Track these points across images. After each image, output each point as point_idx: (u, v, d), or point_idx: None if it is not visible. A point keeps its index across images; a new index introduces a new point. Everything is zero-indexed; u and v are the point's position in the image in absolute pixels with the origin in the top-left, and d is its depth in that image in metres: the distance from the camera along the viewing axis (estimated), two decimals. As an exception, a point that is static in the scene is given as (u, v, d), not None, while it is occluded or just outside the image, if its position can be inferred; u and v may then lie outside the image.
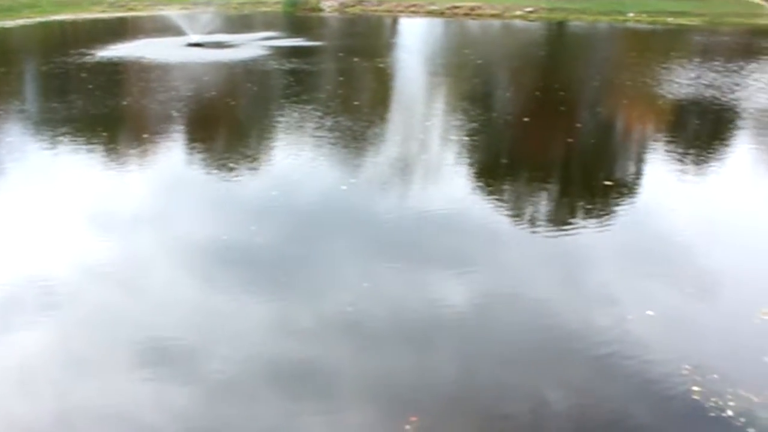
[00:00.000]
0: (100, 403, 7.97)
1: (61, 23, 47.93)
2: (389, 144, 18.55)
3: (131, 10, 56.56)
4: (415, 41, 42.84)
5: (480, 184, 15.58)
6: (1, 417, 7.77)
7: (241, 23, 48.19)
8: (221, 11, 54.13)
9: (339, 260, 11.44)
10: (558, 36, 47.36)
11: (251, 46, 36.51)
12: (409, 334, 9.38)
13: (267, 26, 46.14)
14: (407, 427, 7.61)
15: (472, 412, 7.93)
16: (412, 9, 56.49)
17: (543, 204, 14.55)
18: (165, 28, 41.78)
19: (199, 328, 9.46)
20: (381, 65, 32.00)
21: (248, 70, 29.75)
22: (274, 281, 10.77)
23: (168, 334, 9.30)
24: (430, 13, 55.15)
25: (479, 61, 32.98)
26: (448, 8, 55.61)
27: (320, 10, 57.81)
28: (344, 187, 14.95)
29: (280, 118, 21.05)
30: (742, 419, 7.65)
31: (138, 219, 13.12)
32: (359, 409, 7.99)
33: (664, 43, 43.95)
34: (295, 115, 21.37)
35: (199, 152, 17.68)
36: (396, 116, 22.25)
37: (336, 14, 56.44)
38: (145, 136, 19.28)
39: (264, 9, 57.94)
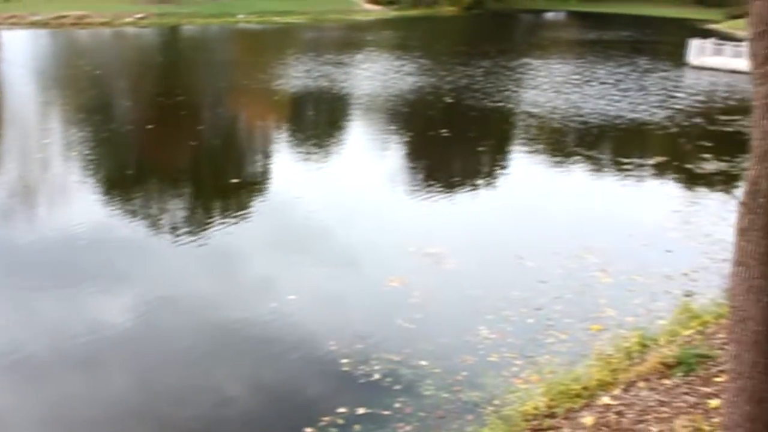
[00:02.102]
0: None
1: None
2: (5, 168, 16.94)
3: None
4: (21, 56, 39.55)
5: (111, 197, 14.85)
6: None
7: None
8: None
9: None
10: (173, 41, 46.94)
11: None
12: (76, 360, 8.72)
13: None
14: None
15: (154, 422, 7.64)
16: (12, 21, 52.14)
17: (179, 209, 14.32)
18: None
19: None
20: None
21: None
22: None
23: None
24: (34, 24, 51.32)
25: (97, 72, 31.44)
26: (53, 18, 52.17)
27: None
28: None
29: None
30: (389, 379, 8.17)
31: None
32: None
33: (276, 41, 45.67)
34: None
35: None
36: (9, 137, 20.38)
37: None
38: None
39: None
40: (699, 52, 34.93)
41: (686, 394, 6.83)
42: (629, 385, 7.19)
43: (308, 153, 18.31)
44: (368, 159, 18.34)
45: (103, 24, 51.88)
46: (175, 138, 19.87)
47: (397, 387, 8.02)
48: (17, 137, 20.20)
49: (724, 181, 16.25)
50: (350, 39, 46.00)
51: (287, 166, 17.24)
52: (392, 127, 21.75)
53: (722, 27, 55.82)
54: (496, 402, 7.56)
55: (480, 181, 16.44)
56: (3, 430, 7.57)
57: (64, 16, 52.40)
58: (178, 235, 12.78)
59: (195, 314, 9.90)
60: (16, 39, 46.10)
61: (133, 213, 13.94)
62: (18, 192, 14.96)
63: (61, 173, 16.51)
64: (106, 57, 38.76)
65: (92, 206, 14.16)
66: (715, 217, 13.43)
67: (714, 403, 6.44)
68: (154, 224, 13.44)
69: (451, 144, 19.36)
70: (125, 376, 8.47)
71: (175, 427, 7.67)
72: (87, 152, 18.07)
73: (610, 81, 29.88)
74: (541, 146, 20.16)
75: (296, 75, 29.60)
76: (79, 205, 14.28)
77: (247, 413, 7.76)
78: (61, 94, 27.62)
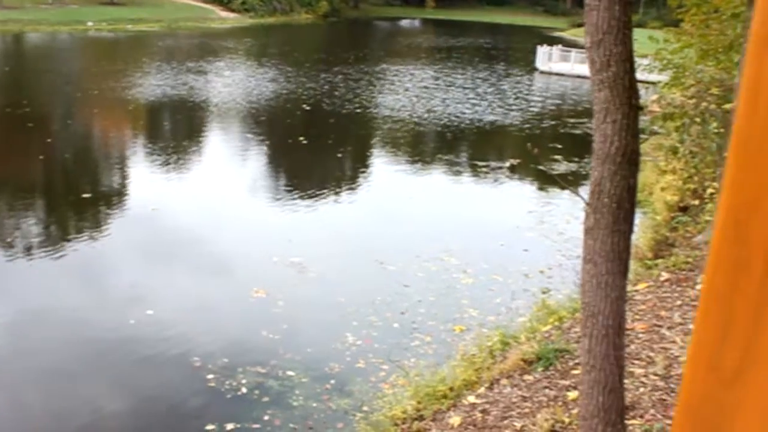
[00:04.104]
0: None
1: None
2: None
3: None
4: None
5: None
6: None
7: None
8: None
9: None
10: (17, 49, 44.65)
11: None
12: None
13: None
14: None
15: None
16: None
17: (29, 225, 13.62)
18: None
19: None
20: None
21: None
22: None
23: None
24: None
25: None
26: None
27: None
28: None
29: None
30: (257, 392, 8.06)
31: None
32: None
33: (129, 50, 44.30)
34: None
35: None
36: None
37: None
38: None
39: None
40: (546, 58, 36.50)
41: (546, 388, 7.09)
42: (493, 383, 7.39)
43: (166, 164, 17.82)
44: (227, 168, 18.06)
45: (-67, 31, 48.71)
46: (21, 151, 18.87)
47: (266, 399, 7.93)
48: None
49: (574, 182, 17.02)
50: (206, 47, 45.18)
51: (144, 178, 16.71)
52: (251, 136, 21.54)
53: (568, 34, 58.66)
54: (365, 408, 7.61)
55: (340, 188, 16.52)
56: None
57: None
58: (30, 252, 12.17)
59: (55, 329, 9.53)
60: None
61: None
62: None
63: None
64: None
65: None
66: (568, 215, 14.03)
67: (572, 395, 6.71)
68: (4, 241, 12.72)
69: (310, 151, 19.36)
70: None
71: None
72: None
73: (468, 86, 30.75)
74: (400, 151, 20.49)
75: (152, 83, 28.80)
76: None
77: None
78: None
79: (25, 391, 8.27)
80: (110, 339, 9.32)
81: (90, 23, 53.67)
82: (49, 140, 20.26)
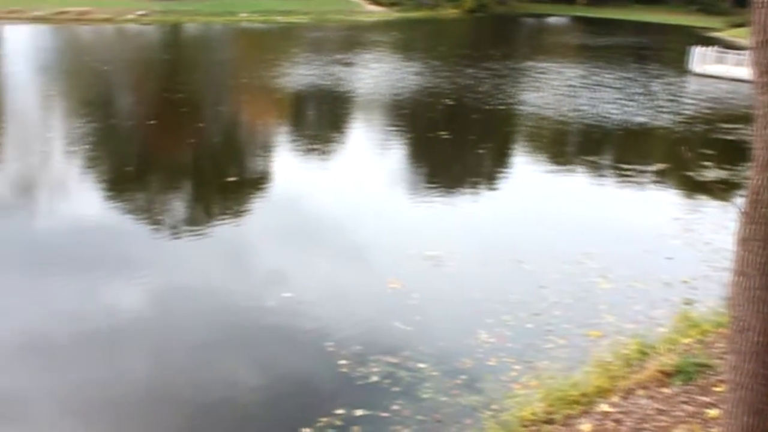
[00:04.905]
0: None
1: None
2: (9, 161, 16.98)
3: None
4: (25, 50, 39.50)
5: (112, 191, 14.87)
6: None
7: None
8: None
9: (5, 283, 10.50)
10: (176, 39, 46.91)
11: None
12: (95, 342, 8.93)
13: None
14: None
15: (172, 405, 7.81)
16: (14, 16, 52.09)
17: (179, 205, 14.35)
18: None
19: None
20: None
21: None
22: None
23: None
24: (36, 20, 51.25)
25: (105, 68, 31.41)
26: (55, 13, 52.14)
27: None
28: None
29: None
30: (387, 381, 8.16)
31: None
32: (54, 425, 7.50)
33: (279, 41, 45.68)
34: None
35: None
36: (13, 131, 20.36)
37: None
38: None
39: None
40: (701, 59, 34.95)
41: (685, 403, 6.82)
42: (628, 393, 7.17)
43: (309, 152, 18.31)
44: (368, 159, 18.35)
45: (104, 20, 51.83)
46: (175, 134, 19.87)
47: (396, 389, 8.01)
48: (22, 131, 20.18)
49: (726, 190, 16.24)
50: (353, 39, 46.01)
51: (288, 165, 17.24)
52: (393, 127, 21.75)
53: (724, 35, 55.85)
54: (495, 406, 7.55)
55: (479, 184, 16.43)
56: (24, 409, 7.67)
57: (65, 12, 52.32)
58: (178, 230, 12.84)
59: (199, 304, 10.05)
60: (18, 33, 46.03)
61: (136, 207, 14.04)
62: (21, 184, 14.97)
63: (63, 167, 16.51)
64: (111, 53, 38.70)
65: (95, 199, 14.23)
66: (716, 225, 13.41)
67: (712, 413, 6.43)
68: (156, 218, 13.46)
69: (451, 146, 19.36)
70: (142, 361, 8.65)
71: (184, 409, 7.81)
72: (89, 146, 18.08)
73: (616, 86, 29.89)
74: (543, 149, 20.17)
75: (300, 73, 29.62)
76: (82, 197, 14.34)
77: (243, 413, 7.75)
78: (66, 88, 27.61)
79: (170, 360, 8.74)
80: (249, 318, 9.68)
81: (243, 14, 55.66)
82: (201, 125, 21.24)
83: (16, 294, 10.20)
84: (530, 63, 36.44)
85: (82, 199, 14.26)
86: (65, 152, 17.67)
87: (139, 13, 53.33)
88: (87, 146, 18.13)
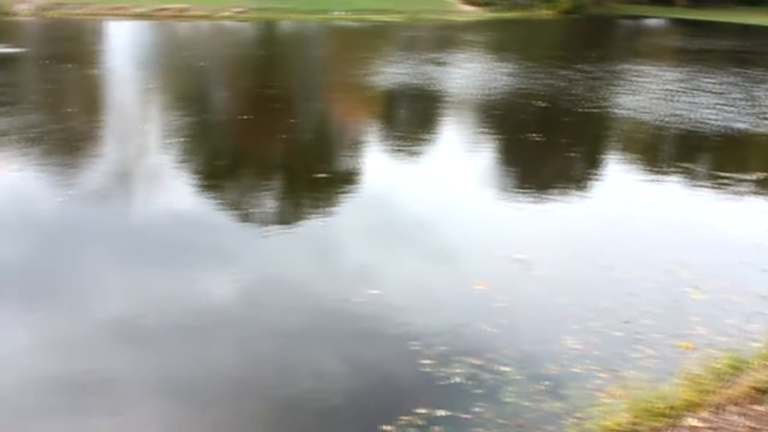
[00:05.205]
0: None
1: None
2: (109, 151, 17.66)
3: None
4: (127, 45, 40.99)
5: (205, 183, 15.32)
6: None
7: None
8: None
9: (97, 269, 10.92)
10: (271, 36, 47.77)
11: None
12: (184, 331, 9.24)
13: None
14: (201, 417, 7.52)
15: (258, 394, 7.99)
16: (118, 12, 54.01)
17: (270, 198, 14.63)
18: None
19: None
20: (95, 71, 30.27)
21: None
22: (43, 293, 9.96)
23: None
24: (137, 16, 53.07)
25: (202, 63, 32.31)
26: (155, 10, 53.90)
27: (13, 14, 53.47)
28: (60, 199, 14.02)
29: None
30: (470, 383, 8.14)
31: None
32: (146, 407, 7.79)
33: (371, 39, 45.99)
34: (5, 126, 19.55)
35: None
36: (112, 123, 21.17)
37: (33, 18, 52.49)
38: None
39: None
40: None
41: (780, 421, 6.57)
42: (718, 408, 6.95)
43: (399, 150, 18.39)
44: (456, 159, 18.31)
45: (202, 17, 53.25)
46: (267, 130, 20.26)
47: (478, 391, 7.97)
48: (121, 123, 20.93)
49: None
50: (446, 38, 45.92)
51: (377, 163, 17.37)
52: (483, 128, 21.63)
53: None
54: (578, 414, 7.43)
55: (569, 187, 16.17)
56: (121, 391, 7.99)
57: (165, 9, 53.97)
58: (268, 224, 13.10)
59: (286, 296, 10.28)
60: (122, 29, 47.74)
61: (227, 200, 14.43)
62: (119, 175, 15.53)
63: (158, 159, 17.04)
64: (208, 49, 39.76)
65: (188, 191, 14.66)
66: (819, 238, 12.87)
67: (809, 433, 6.17)
68: (246, 212, 13.79)
69: (542, 148, 19.12)
70: (231, 349, 8.90)
71: (269, 398, 7.98)
72: (183, 139, 18.61)
73: (717, 90, 28.96)
74: (636, 154, 19.71)
75: (392, 72, 29.77)
76: (176, 189, 14.77)
77: (325, 405, 7.84)
78: (163, 83, 28.49)
79: (257, 349, 8.93)
80: (335, 312, 9.79)
81: (336, 13, 56.27)
82: (293, 120, 21.58)
83: (114, 279, 10.61)
84: (626, 66, 35.66)
85: (175, 191, 14.69)
86: (161, 145, 18.24)
87: (236, 10, 54.55)
88: (182, 139, 18.67)
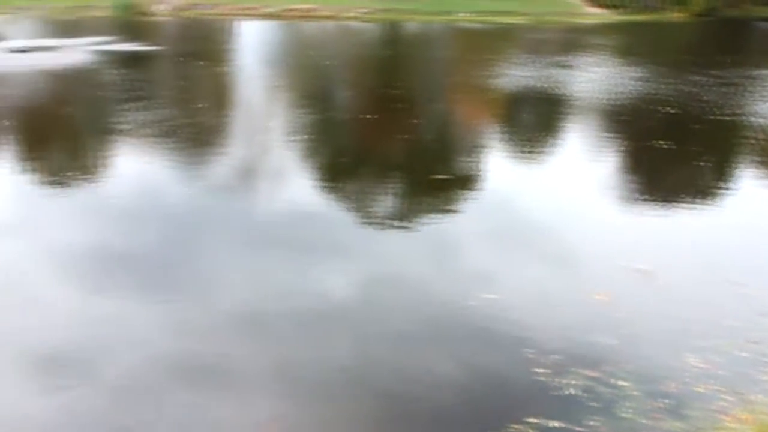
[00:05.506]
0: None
1: None
2: (236, 146, 18.28)
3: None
4: (256, 44, 42.28)
5: (326, 181, 15.62)
6: None
7: (70, 28, 45.96)
8: (48, 15, 51.53)
9: (227, 259, 11.39)
10: (394, 36, 48.14)
11: (81, 50, 34.86)
12: (302, 325, 9.51)
13: (99, 31, 44.22)
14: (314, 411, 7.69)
15: (371, 391, 8.13)
16: (248, 12, 55.78)
17: (389, 200, 14.74)
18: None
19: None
20: (225, 69, 31.38)
21: (85, 76, 28.38)
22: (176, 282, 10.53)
23: None
24: (266, 16, 54.66)
25: (327, 62, 32.95)
26: (283, 11, 55.34)
27: (152, 14, 56.05)
28: (188, 191, 14.60)
29: (125, 125, 20.18)
30: (585, 395, 7.96)
31: None
32: (262, 397, 8.01)
33: (496, 41, 45.63)
34: (141, 120, 20.56)
35: (36, 162, 16.65)
36: (242, 119, 21.89)
37: (169, 18, 54.88)
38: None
39: (94, 14, 55.54)
40: None
41: None
42: None
43: (520, 154, 18.18)
44: (579, 164, 17.90)
45: (328, 17, 54.28)
46: (390, 129, 20.41)
47: (593, 404, 7.78)
48: (247, 120, 21.59)
49: None
50: (572, 41, 45.07)
51: (498, 166, 17.21)
52: (609, 134, 21.09)
53: None
54: (699, 436, 7.15)
55: (696, 198, 15.54)
56: (234, 376, 8.30)
57: (293, 9, 55.30)
58: (388, 223, 13.21)
59: (402, 296, 10.37)
60: (251, 28, 49.22)
61: (348, 197, 14.68)
62: (244, 170, 16.02)
63: (282, 155, 17.47)
64: (333, 48, 40.49)
65: (309, 187, 14.99)
66: None
67: None
68: (366, 210, 13.95)
69: (669, 156, 18.46)
70: (346, 344, 9.07)
71: (382, 397, 8.07)
72: (307, 137, 18.99)
73: None
74: (771, 166, 18.77)
75: (516, 74, 29.46)
76: (298, 185, 15.12)
77: (437, 406, 7.84)
78: (289, 81, 29.20)
79: (372, 347, 9.03)
80: (451, 315, 9.76)
81: (461, 14, 56.14)
82: (415, 121, 21.67)
83: (238, 271, 10.96)
84: (764, 71, 34.00)
85: (298, 187, 15.03)
86: (285, 141, 18.68)
87: (361, 10, 55.31)
88: (305, 136, 19.06)
